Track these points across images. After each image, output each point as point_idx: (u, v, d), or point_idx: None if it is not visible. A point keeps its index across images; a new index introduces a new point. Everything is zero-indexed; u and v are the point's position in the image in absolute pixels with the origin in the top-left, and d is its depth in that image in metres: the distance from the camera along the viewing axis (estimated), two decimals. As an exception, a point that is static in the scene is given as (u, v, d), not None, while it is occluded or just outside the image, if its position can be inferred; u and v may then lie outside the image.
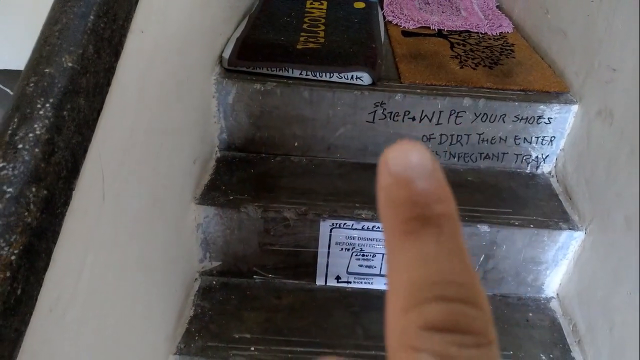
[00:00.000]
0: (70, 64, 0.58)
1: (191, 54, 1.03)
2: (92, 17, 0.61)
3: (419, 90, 1.23)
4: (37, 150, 0.53)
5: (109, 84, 0.63)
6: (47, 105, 0.55)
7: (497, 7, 1.81)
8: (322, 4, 1.64)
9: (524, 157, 1.30)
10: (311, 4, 1.64)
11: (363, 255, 1.19)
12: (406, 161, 0.15)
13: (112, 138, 0.68)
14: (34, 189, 0.51)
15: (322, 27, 1.47)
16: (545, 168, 1.31)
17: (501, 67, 1.37)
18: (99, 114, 0.62)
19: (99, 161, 0.65)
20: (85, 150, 0.59)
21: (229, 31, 1.36)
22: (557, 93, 1.26)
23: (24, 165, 0.51)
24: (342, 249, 1.18)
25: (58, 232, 0.54)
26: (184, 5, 0.96)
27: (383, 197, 0.15)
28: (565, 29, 1.33)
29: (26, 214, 0.49)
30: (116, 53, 0.65)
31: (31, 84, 0.56)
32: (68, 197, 0.56)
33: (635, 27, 1.02)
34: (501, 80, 1.29)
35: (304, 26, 1.47)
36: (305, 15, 1.55)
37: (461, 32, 1.59)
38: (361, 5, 1.64)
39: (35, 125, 0.54)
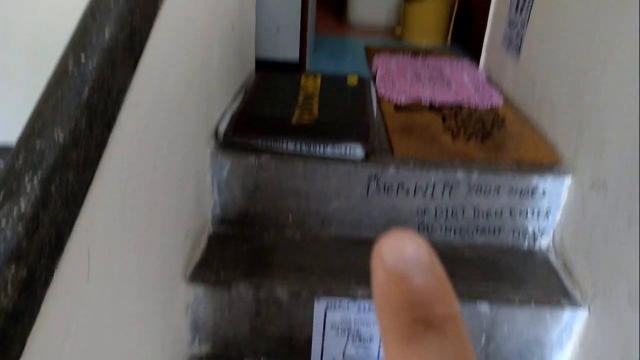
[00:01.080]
0: (61, 138, 0.57)
1: (186, 128, 1.04)
2: (87, 91, 0.61)
3: (411, 164, 1.23)
4: (20, 227, 0.51)
5: (99, 158, 0.62)
6: (35, 180, 0.54)
7: (487, 80, 1.86)
8: (316, 79, 1.69)
9: (521, 231, 1.28)
10: (306, 79, 1.68)
11: (360, 338, 1.14)
12: (401, 254, 0.14)
13: (100, 213, 0.66)
14: (13, 269, 0.48)
15: (317, 102, 1.50)
16: (543, 242, 1.29)
17: (493, 139, 1.38)
18: (87, 189, 0.61)
19: (86, 237, 0.63)
20: (71, 227, 0.57)
21: (225, 105, 1.38)
22: (550, 164, 1.26)
23: (4, 243, 0.49)
24: (337, 332, 1.13)
25: (36, 315, 0.50)
26: (181, 79, 0.97)
27: (379, 295, 0.14)
28: (553, 101, 1.36)
29: (2, 296, 0.46)
30: (109, 126, 0.65)
31: (20, 159, 0.55)
32: (49, 276, 0.53)
33: (621, 99, 1.04)
34: (494, 153, 1.30)
35: (299, 101, 1.50)
36: (300, 90, 1.59)
37: (453, 105, 1.62)
38: (354, 80, 1.69)
39: (21, 201, 0.52)
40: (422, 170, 1.22)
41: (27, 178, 0.54)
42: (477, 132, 1.42)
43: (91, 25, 0.67)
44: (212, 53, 1.19)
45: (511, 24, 1.70)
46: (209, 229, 1.26)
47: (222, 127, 1.26)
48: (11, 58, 1.60)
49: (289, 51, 1.83)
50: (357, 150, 1.23)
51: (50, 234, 0.54)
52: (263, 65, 1.81)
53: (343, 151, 1.23)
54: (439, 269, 0.14)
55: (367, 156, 1.24)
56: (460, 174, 1.22)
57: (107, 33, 0.67)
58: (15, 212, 0.51)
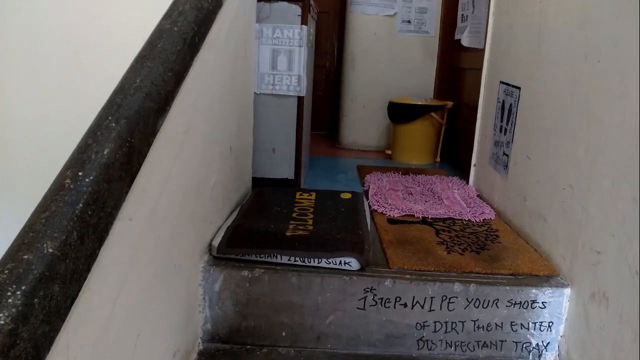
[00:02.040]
0: (50, 250, 0.57)
1: (180, 242, 1.04)
2: (80, 204, 0.63)
3: (408, 276, 1.22)
4: (-4, 342, 0.49)
5: (88, 270, 0.62)
6: (18, 292, 0.53)
7: (477, 196, 1.91)
8: (311, 195, 1.73)
9: (524, 345, 1.23)
10: (300, 195, 1.72)
11: None
12: None
13: (84, 328, 0.64)
14: (-16, 387, 0.46)
15: (311, 216, 1.52)
16: (549, 356, 1.23)
17: (488, 252, 1.38)
18: (72, 302, 0.59)
19: (66, 354, 0.60)
20: (51, 342, 0.55)
21: (221, 220, 1.40)
22: (547, 276, 1.25)
23: (-22, 359, 0.47)
24: None
25: None
26: (176, 196, 1.00)
27: None
28: (544, 214, 1.38)
29: (-32, 417, 0.43)
30: (100, 239, 0.65)
31: (6, 271, 0.55)
32: (22, 396, 0.50)
33: (612, 212, 1.06)
34: (490, 265, 1.29)
35: (294, 215, 1.52)
36: (295, 205, 1.62)
37: (445, 219, 1.64)
38: (347, 195, 1.72)
39: (0, 315, 0.51)
40: (419, 282, 1.20)
41: (10, 292, 0.53)
42: (471, 245, 1.42)
43: (91, 143, 0.70)
44: (209, 172, 1.23)
45: (497, 143, 1.79)
46: (198, 345, 1.20)
47: (216, 242, 1.26)
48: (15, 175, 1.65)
49: (285, 170, 1.89)
50: (352, 262, 1.22)
51: (28, 350, 0.52)
52: (260, 183, 1.86)
53: (338, 263, 1.22)
54: None
55: (363, 268, 1.23)
56: (457, 287, 1.20)
57: (105, 150, 0.70)
58: (-7, 326, 0.50)
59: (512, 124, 1.65)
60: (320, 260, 1.23)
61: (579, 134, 1.22)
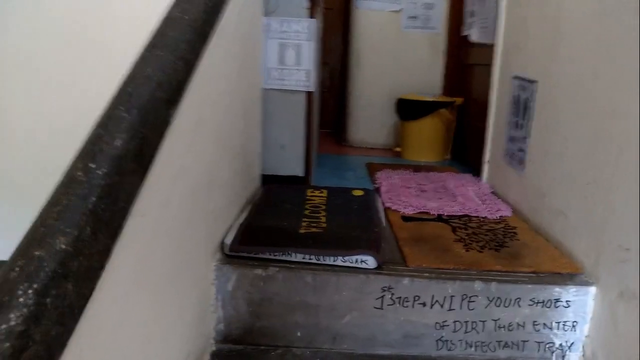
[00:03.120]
0: (63, 246, 0.53)
1: (192, 240, 1.00)
2: (94, 198, 0.59)
3: (426, 274, 1.18)
4: (7, 344, 0.45)
5: (102, 268, 0.58)
6: (30, 291, 0.49)
7: (491, 192, 1.87)
8: (322, 192, 1.69)
9: (547, 345, 1.19)
10: (312, 192, 1.68)
11: None
12: None
13: (97, 330, 0.60)
14: (-7, 394, 0.42)
15: (324, 213, 1.48)
16: (573, 357, 1.19)
17: (507, 249, 1.34)
18: (86, 302, 0.55)
19: (79, 358, 0.56)
20: (63, 345, 0.51)
21: (232, 218, 1.36)
22: (571, 274, 1.21)
23: (-13, 363, 0.43)
24: None
25: None
26: (188, 191, 0.96)
27: None
28: (565, 211, 1.34)
29: None
30: (114, 236, 0.61)
31: (16, 269, 0.51)
32: (34, 403, 0.46)
33: (636, 206, 1.02)
34: (510, 263, 1.25)
35: (306, 212, 1.48)
36: (307, 202, 1.58)
37: (461, 216, 1.60)
38: (360, 192, 1.68)
39: (11, 315, 0.47)
40: (438, 281, 1.16)
41: (21, 290, 0.49)
42: (490, 242, 1.38)
43: (102, 134, 0.66)
44: (220, 168, 1.19)
45: (511, 139, 1.74)
46: (211, 346, 1.16)
47: (228, 240, 1.22)
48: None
49: (294, 167, 1.85)
50: (368, 260, 1.18)
51: (40, 353, 0.48)
52: (269, 180, 1.82)
53: (354, 261, 1.18)
54: None
55: (380, 267, 1.19)
56: (478, 285, 1.16)
57: (117, 141, 0.66)
58: (4, 328, 0.46)
59: (528, 119, 1.61)
60: (335, 258, 1.18)
61: (601, 128, 1.18)
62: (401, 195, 1.75)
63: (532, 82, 1.60)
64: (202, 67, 1.00)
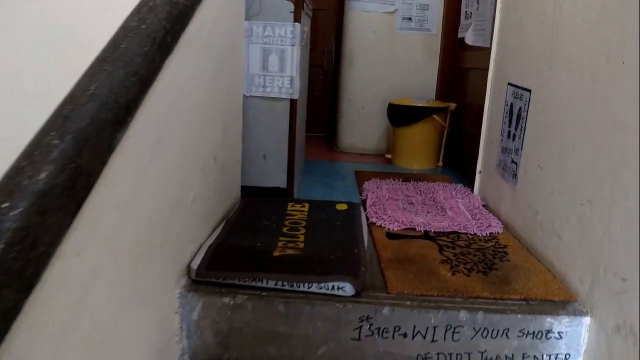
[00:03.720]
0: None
1: (149, 270, 0.92)
2: (1, 245, 0.50)
3: (408, 302, 1.10)
4: None
5: (5, 330, 0.50)
6: None
7: (483, 206, 1.78)
8: (304, 206, 1.60)
9: (538, 379, 1.11)
10: (293, 206, 1.60)
11: None
12: None
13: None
14: None
15: (303, 231, 1.39)
16: (565, 392, 1.11)
17: (497, 272, 1.26)
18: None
19: None
20: None
21: (203, 237, 1.27)
22: (564, 302, 1.13)
23: None
24: None
25: None
26: (144, 217, 0.87)
27: None
28: (558, 231, 1.25)
29: None
30: (28, 287, 0.53)
31: None
32: None
33: (636, 231, 0.94)
34: (499, 289, 1.17)
35: (284, 230, 1.40)
36: (286, 218, 1.49)
37: (449, 233, 1.52)
38: (343, 207, 1.60)
39: None
40: (420, 310, 1.08)
41: None
42: (478, 264, 1.30)
43: (24, 166, 0.58)
44: (187, 187, 1.11)
45: (504, 150, 1.66)
46: (174, 383, 1.08)
47: (195, 263, 1.14)
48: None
49: (277, 179, 1.77)
50: (346, 287, 1.10)
51: None
52: (250, 192, 1.74)
53: (330, 288, 1.10)
54: None
55: (358, 294, 1.11)
56: (463, 315, 1.08)
57: (42, 174, 0.58)
58: None
59: (521, 130, 1.53)
60: (310, 285, 1.10)
61: (599, 142, 1.10)
62: (387, 208, 1.67)
63: (525, 90, 1.51)
64: (164, 80, 0.91)
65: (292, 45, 1.66)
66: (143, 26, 0.85)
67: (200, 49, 1.14)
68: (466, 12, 2.50)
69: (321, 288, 1.10)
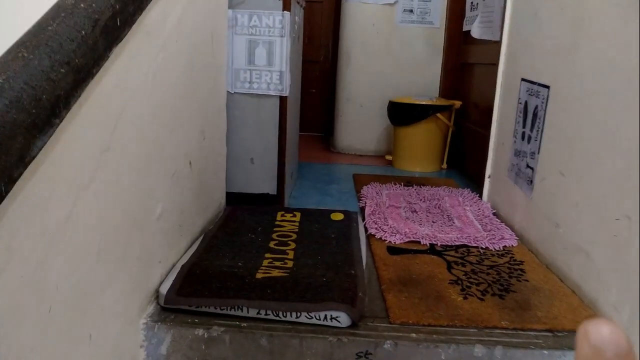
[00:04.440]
0: None
1: (97, 304, 0.75)
2: None
3: (414, 335, 0.93)
4: None
5: None
6: None
7: (493, 214, 1.62)
8: (294, 215, 1.44)
9: (565, 423, 0.94)
10: (282, 216, 1.43)
11: None
12: (603, 335, 0.18)
13: None
14: None
15: (292, 246, 1.23)
16: None
17: (514, 295, 1.09)
18: None
19: None
20: None
21: (175, 255, 1.11)
22: (595, 333, 0.96)
23: None
24: None
25: None
26: (87, 241, 0.71)
27: None
28: (586, 248, 1.09)
29: None
30: None
31: None
32: None
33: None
34: (519, 316, 1.00)
35: (271, 245, 1.23)
36: (275, 230, 1.32)
37: (458, 246, 1.35)
38: (339, 216, 1.43)
39: None
40: (428, 344, 0.91)
41: None
42: (492, 285, 1.13)
43: None
44: (151, 200, 0.94)
45: (518, 153, 1.49)
46: None
47: (164, 288, 0.97)
48: None
49: (265, 185, 1.60)
50: (340, 317, 0.93)
51: None
52: (236, 199, 1.57)
53: (322, 318, 0.93)
54: (632, 354, 0.18)
55: (355, 324, 0.94)
56: (479, 349, 0.91)
57: None
58: None
59: (538, 131, 1.36)
60: (299, 314, 0.94)
61: (636, 146, 0.93)
62: (388, 218, 1.50)
63: (543, 86, 1.34)
64: (111, 76, 0.75)
65: (281, 36, 1.50)
66: (82, 5, 0.68)
67: (166, 41, 0.97)
68: (472, 3, 2.34)
69: (311, 318, 0.94)
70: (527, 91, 1.46)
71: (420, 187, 1.91)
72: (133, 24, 0.78)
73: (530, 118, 1.42)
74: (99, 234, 0.73)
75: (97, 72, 0.67)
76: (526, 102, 1.46)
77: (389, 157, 2.49)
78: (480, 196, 1.78)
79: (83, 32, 0.65)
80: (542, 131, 1.34)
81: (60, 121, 0.59)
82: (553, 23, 1.32)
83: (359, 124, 2.72)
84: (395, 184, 1.92)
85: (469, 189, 1.86)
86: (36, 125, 0.55)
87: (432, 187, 1.91)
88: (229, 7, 1.46)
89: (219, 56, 1.39)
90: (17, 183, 0.52)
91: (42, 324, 0.60)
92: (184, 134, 1.11)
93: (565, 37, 1.24)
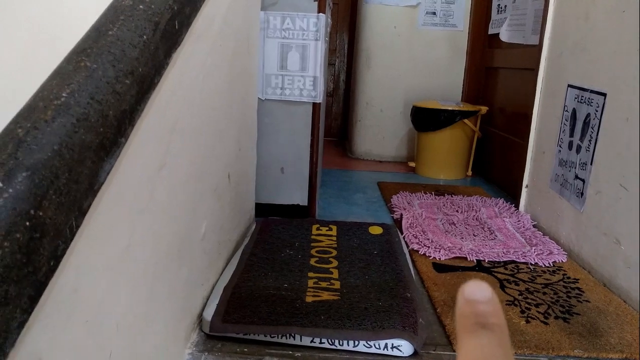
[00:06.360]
0: None
1: (148, 338, 0.67)
2: None
3: (483, 366, 0.85)
4: None
5: None
6: None
7: (534, 226, 1.54)
8: (330, 229, 1.36)
9: None
10: (318, 229, 1.35)
11: None
12: (474, 291, 0.21)
13: None
14: None
15: (335, 263, 1.15)
16: None
17: (579, 318, 1.02)
18: None
19: None
20: None
21: (215, 275, 1.03)
22: (676, 363, 0.89)
23: None
24: None
25: None
26: (142, 271, 0.63)
27: (458, 311, 0.22)
28: (656, 268, 1.01)
29: None
30: None
31: None
32: None
33: None
34: (591, 344, 0.93)
35: (312, 262, 1.16)
36: (312, 246, 1.25)
37: (505, 262, 1.28)
38: (378, 230, 1.36)
39: None
40: (497, 377, 0.84)
41: None
42: (552, 306, 1.06)
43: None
44: (197, 218, 0.87)
45: (563, 163, 1.42)
46: None
47: (208, 314, 0.90)
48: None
49: (296, 195, 1.53)
50: (403, 347, 0.86)
51: None
52: (264, 211, 1.49)
53: (383, 348, 0.86)
54: (496, 302, 0.21)
55: (417, 353, 0.87)
56: (553, 382, 0.84)
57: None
58: None
59: (590, 140, 1.29)
60: (357, 342, 0.86)
61: None
62: (427, 231, 1.43)
63: (598, 94, 1.27)
64: (170, 83, 0.67)
65: (316, 39, 1.42)
66: (141, 6, 0.60)
67: (213, 45, 0.90)
68: (499, 5, 2.27)
69: (370, 347, 0.86)
70: (575, 98, 1.39)
71: (452, 196, 1.84)
72: (189, 26, 0.71)
73: (580, 127, 1.35)
74: (153, 263, 0.66)
75: (158, 81, 0.60)
76: (574, 110, 1.39)
77: (412, 164, 2.42)
78: (516, 207, 1.71)
79: (144, 37, 0.58)
80: (595, 141, 1.27)
81: (126, 140, 0.52)
82: (609, 25, 1.25)
83: (379, 129, 2.65)
84: (425, 193, 1.85)
85: (502, 199, 1.78)
86: (104, 146, 0.48)
87: (464, 196, 1.83)
88: (261, 9, 1.38)
89: (252, 61, 1.32)
90: (84, 218, 0.45)
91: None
92: (223, 145, 1.04)
93: (625, 40, 1.17)
